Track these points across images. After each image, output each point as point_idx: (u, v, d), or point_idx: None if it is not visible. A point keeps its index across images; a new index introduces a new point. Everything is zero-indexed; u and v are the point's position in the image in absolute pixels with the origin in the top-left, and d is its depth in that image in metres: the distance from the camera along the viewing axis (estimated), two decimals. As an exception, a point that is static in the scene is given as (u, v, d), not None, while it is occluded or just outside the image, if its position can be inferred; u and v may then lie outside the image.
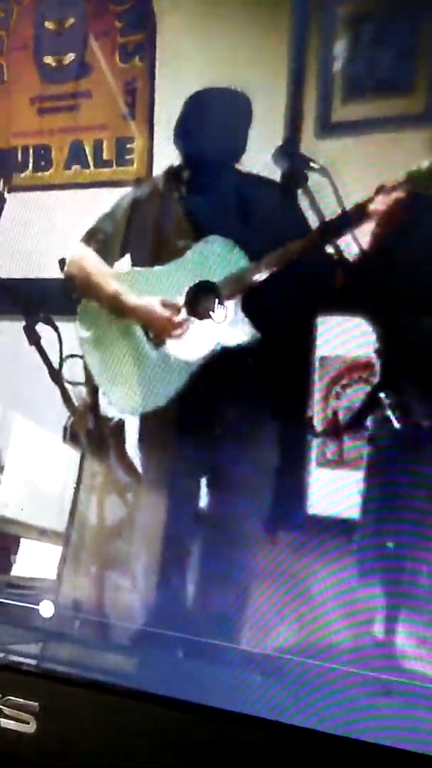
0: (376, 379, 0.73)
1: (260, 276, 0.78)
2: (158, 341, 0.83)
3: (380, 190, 0.70)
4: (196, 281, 0.81)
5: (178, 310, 0.80)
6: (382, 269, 0.72)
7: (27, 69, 0.91)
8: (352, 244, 0.72)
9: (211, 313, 0.80)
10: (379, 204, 0.70)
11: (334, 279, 0.74)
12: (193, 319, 0.81)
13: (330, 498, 0.74)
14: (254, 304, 0.79)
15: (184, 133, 0.81)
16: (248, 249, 0.79)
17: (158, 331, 0.83)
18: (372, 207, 0.70)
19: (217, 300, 0.80)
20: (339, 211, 0.72)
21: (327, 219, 0.73)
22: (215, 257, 0.80)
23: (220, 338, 0.80)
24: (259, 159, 0.77)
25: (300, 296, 0.76)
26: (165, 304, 0.82)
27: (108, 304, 0.86)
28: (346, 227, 0.72)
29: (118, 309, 0.85)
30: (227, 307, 0.79)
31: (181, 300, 0.82)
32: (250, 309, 0.79)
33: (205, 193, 0.82)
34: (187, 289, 0.82)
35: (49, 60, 0.89)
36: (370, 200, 0.70)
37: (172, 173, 0.82)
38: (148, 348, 0.84)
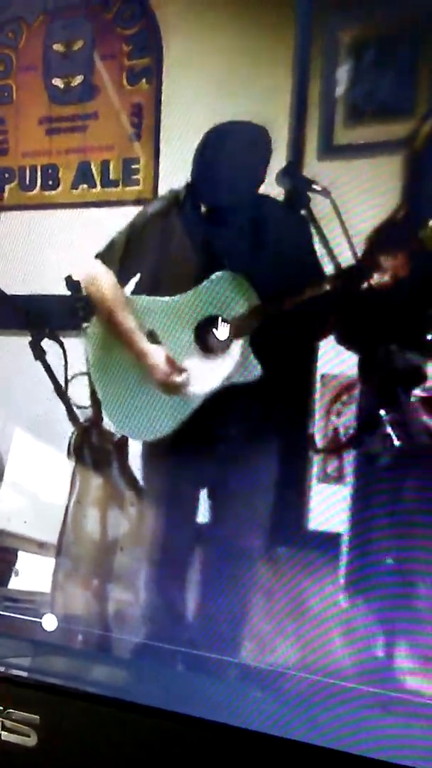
0: (376, 397, 0.73)
1: (270, 314, 0.78)
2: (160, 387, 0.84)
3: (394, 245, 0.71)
4: (206, 316, 0.81)
5: (180, 372, 0.81)
6: (385, 298, 0.73)
7: (36, 90, 0.92)
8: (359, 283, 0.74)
9: (219, 348, 0.80)
10: (393, 261, 0.71)
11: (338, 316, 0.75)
12: (200, 359, 0.82)
13: (331, 514, 0.74)
14: (262, 340, 0.79)
15: (203, 165, 0.81)
16: (259, 286, 0.79)
17: (157, 383, 0.84)
18: (385, 262, 0.72)
19: (226, 336, 0.80)
20: (348, 246, 0.73)
21: (340, 270, 0.74)
22: (226, 293, 0.80)
23: (227, 374, 0.81)
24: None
25: (306, 329, 0.77)
26: (169, 361, 0.82)
27: (118, 336, 0.86)
28: (358, 280, 0.73)
29: (126, 345, 0.86)
30: (236, 342, 0.80)
31: (189, 342, 0.83)
32: (257, 345, 0.80)
33: (221, 224, 0.82)
34: (195, 322, 0.82)
35: (57, 81, 0.91)
36: (385, 257, 0.72)
37: (187, 198, 0.83)
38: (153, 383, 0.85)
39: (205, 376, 0.82)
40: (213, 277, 0.81)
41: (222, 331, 0.81)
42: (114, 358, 0.87)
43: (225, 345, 0.80)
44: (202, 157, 0.80)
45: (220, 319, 0.81)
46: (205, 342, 0.82)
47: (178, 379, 0.82)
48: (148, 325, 0.85)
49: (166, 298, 0.84)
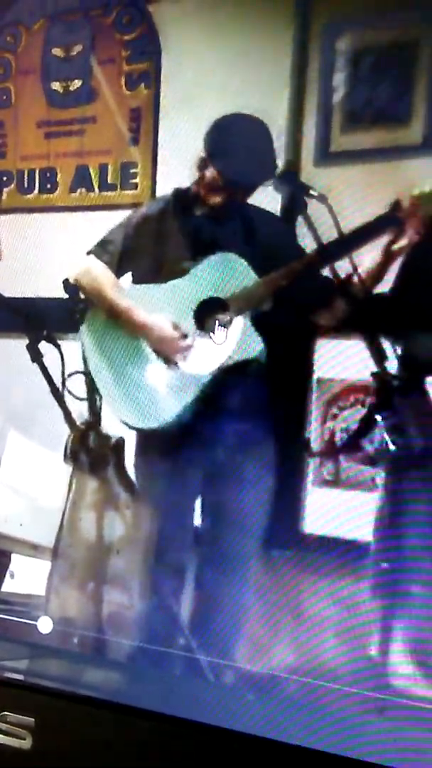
0: (372, 401, 0.74)
1: (267, 292, 0.79)
2: (165, 360, 0.84)
3: (377, 217, 0.72)
4: (205, 296, 0.82)
5: (185, 336, 0.82)
6: (380, 294, 0.74)
7: (34, 94, 0.92)
8: (351, 269, 0.74)
9: (219, 327, 0.81)
10: (376, 230, 0.72)
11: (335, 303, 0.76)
12: (200, 338, 0.82)
13: (326, 517, 0.75)
14: (261, 320, 0.80)
15: (218, 155, 0.81)
16: (256, 267, 0.80)
17: (165, 352, 0.84)
18: (369, 232, 0.72)
19: (225, 315, 0.81)
20: (337, 235, 0.74)
21: (326, 242, 0.75)
22: (224, 273, 0.81)
23: (229, 352, 0.81)
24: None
25: (302, 317, 0.78)
26: (174, 327, 0.83)
27: (118, 318, 0.86)
28: (344, 250, 0.74)
29: (127, 324, 0.86)
30: (236, 322, 0.80)
31: (189, 322, 0.83)
32: (257, 324, 0.80)
33: (217, 216, 0.83)
34: (195, 303, 0.83)
35: (56, 86, 0.91)
36: (367, 225, 0.72)
37: (183, 193, 0.83)
38: (156, 363, 0.85)
39: (207, 355, 0.82)
40: (210, 258, 0.81)
41: (221, 311, 0.81)
42: (115, 349, 0.87)
43: (225, 325, 0.80)
44: (221, 139, 0.80)
45: (218, 298, 0.81)
46: (204, 323, 0.82)
47: (183, 343, 0.82)
48: (147, 311, 0.85)
49: (163, 284, 0.84)
